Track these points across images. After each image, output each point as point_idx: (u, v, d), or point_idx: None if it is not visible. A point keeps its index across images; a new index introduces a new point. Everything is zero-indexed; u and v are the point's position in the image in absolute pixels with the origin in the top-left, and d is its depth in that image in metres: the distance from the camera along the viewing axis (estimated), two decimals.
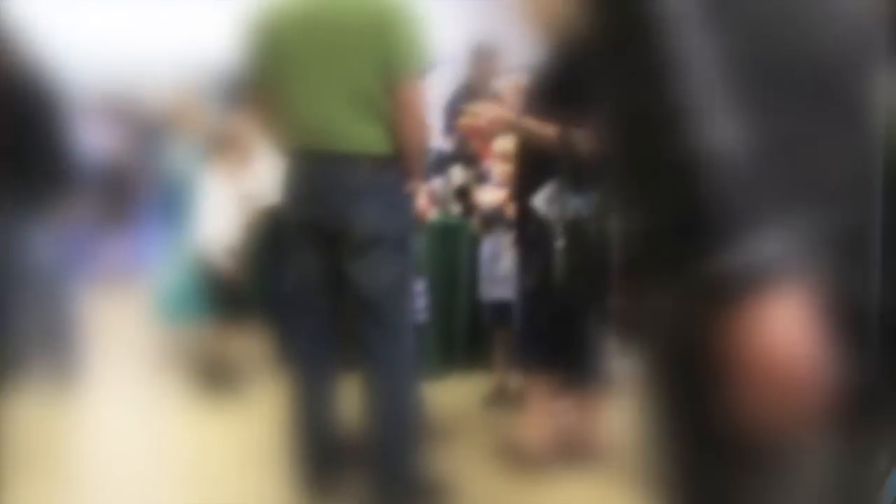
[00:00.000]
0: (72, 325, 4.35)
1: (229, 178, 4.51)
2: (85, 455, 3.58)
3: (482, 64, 5.25)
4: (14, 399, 3.84)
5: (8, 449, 3.18)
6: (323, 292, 2.97)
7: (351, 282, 2.89)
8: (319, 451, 3.03)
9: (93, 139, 5.60)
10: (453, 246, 4.60)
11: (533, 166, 3.35)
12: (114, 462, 3.48)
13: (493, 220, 4.17)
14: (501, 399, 4.32)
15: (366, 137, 2.82)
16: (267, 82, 2.93)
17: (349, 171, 2.82)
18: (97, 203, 5.55)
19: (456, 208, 4.76)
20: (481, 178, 4.48)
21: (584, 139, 3.22)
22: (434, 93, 3.45)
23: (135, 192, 5.91)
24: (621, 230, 1.05)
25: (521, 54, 4.05)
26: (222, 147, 4.55)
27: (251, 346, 4.64)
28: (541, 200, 3.29)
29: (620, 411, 3.72)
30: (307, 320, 3.02)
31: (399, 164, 2.88)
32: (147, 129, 6.10)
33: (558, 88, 3.25)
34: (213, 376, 4.57)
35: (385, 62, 2.77)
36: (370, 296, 2.88)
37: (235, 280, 4.55)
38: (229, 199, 4.48)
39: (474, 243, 4.46)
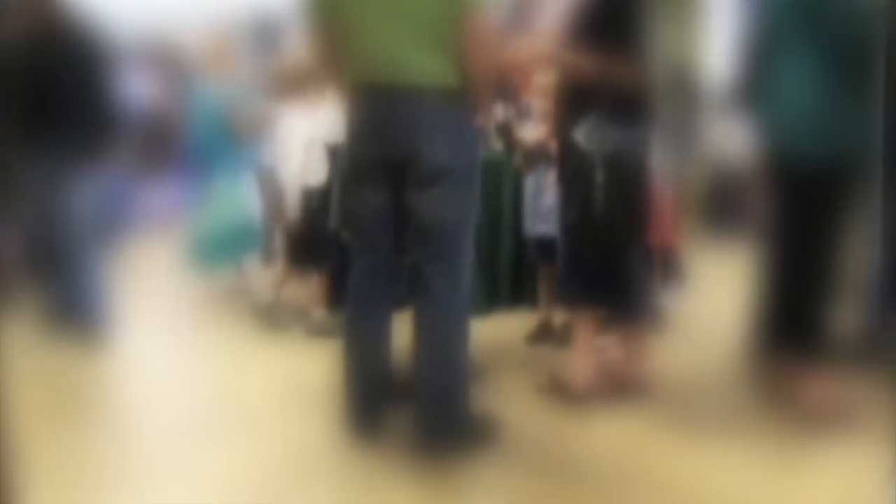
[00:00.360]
0: (112, 273, 4.39)
1: (303, 116, 4.48)
2: (131, 402, 3.62)
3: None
4: (57, 347, 3.91)
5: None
6: (385, 228, 2.98)
7: (415, 215, 2.88)
8: (372, 386, 3.06)
9: (133, 86, 5.61)
10: (496, 182, 4.58)
11: (573, 100, 3.31)
12: (160, 406, 3.52)
13: (535, 155, 4.15)
14: (546, 335, 4.33)
15: (433, 70, 2.80)
16: (329, 19, 2.91)
17: (417, 104, 2.81)
18: (138, 150, 5.58)
19: (498, 145, 4.73)
20: (522, 113, 4.43)
21: (624, 72, 3.18)
22: None
23: (175, 138, 5.93)
24: None
25: None
26: (296, 85, 4.52)
27: (313, 287, 4.67)
28: (581, 134, 3.26)
29: (666, 346, 3.73)
30: (367, 257, 3.03)
31: (467, 96, 2.87)
32: (187, 75, 6.11)
33: (599, 23, 3.21)
34: (275, 318, 4.64)
35: None
36: (433, 229, 2.87)
37: (308, 219, 4.54)
38: (303, 138, 4.46)
39: (517, 179, 4.44)
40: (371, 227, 2.99)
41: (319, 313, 4.55)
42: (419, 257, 2.91)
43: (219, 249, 5.04)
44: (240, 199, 4.94)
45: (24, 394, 3.16)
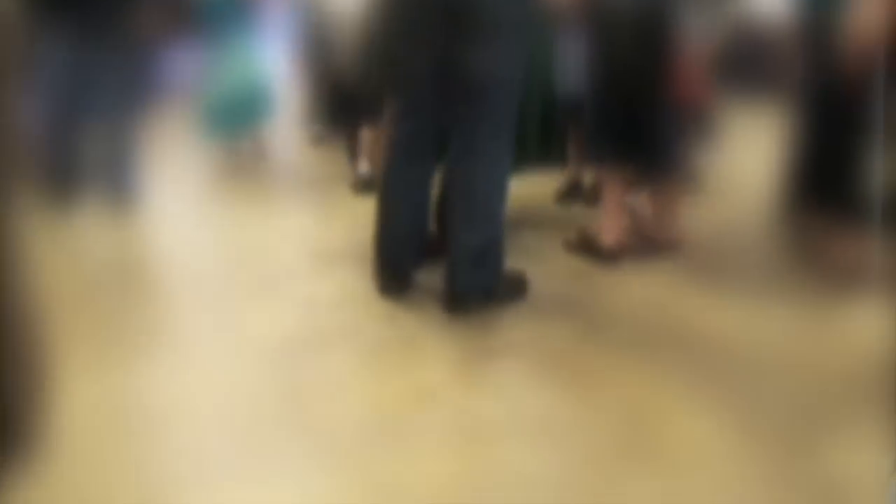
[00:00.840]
0: (138, 143, 4.39)
1: None
2: (162, 269, 3.67)
3: None
4: (85, 219, 3.94)
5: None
6: (432, 88, 2.92)
7: (466, 71, 2.82)
8: (407, 245, 3.10)
9: None
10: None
11: None
12: (190, 272, 3.56)
13: (566, 12, 4.06)
14: (575, 194, 4.33)
15: None
16: None
17: None
18: (157, 17, 5.51)
19: None
20: None
21: None
22: None
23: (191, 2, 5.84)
24: None
25: None
26: None
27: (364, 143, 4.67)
28: None
29: (696, 205, 3.72)
30: (412, 117, 2.99)
31: None
32: None
33: None
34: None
35: None
36: (484, 86, 2.83)
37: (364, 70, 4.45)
38: None
39: (548, 38, 4.35)
40: (419, 88, 2.94)
41: (365, 168, 4.55)
42: (467, 116, 2.87)
43: (228, 116, 5.01)
44: (251, 64, 4.88)
45: (55, 265, 3.24)
